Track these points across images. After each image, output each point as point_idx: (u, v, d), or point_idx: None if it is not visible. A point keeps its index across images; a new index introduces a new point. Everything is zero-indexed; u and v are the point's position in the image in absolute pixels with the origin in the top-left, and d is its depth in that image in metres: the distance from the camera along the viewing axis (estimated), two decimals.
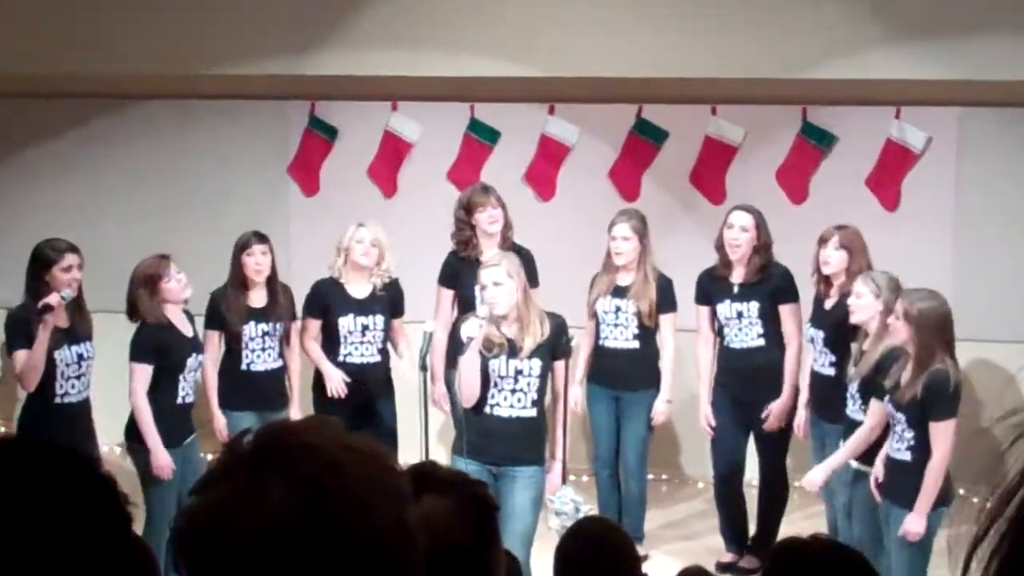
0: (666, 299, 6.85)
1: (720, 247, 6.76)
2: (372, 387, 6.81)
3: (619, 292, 6.88)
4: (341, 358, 6.80)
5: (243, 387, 6.66)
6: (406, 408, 6.70)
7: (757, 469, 6.97)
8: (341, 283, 6.82)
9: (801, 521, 7.16)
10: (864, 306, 5.86)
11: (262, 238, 6.73)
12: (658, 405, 6.88)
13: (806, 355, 6.65)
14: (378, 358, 6.86)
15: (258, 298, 6.75)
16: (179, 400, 6.17)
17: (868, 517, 5.72)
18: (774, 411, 6.69)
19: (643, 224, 6.88)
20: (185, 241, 7.58)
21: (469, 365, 5.71)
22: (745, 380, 6.73)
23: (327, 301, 6.82)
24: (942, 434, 5.34)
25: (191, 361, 6.21)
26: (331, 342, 6.83)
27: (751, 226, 6.69)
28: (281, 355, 6.80)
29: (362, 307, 6.80)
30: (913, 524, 5.35)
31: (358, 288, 6.83)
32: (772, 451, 6.80)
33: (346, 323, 6.78)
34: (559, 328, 5.79)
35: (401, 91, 8.22)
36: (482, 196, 7.02)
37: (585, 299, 7.01)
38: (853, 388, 5.87)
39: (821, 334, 6.38)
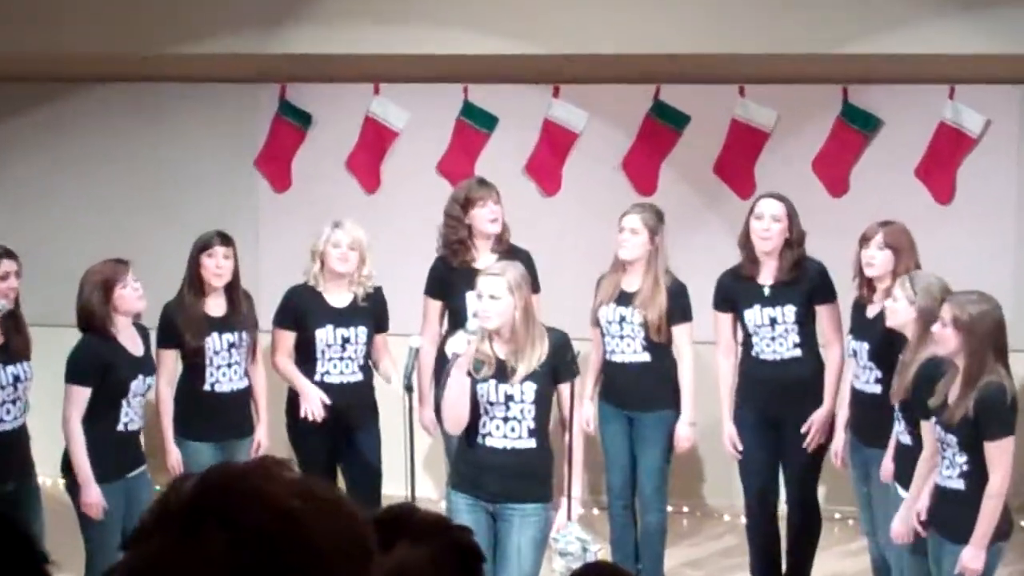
0: (678, 308, 6.77)
1: (746, 242, 6.70)
2: (353, 411, 6.79)
3: (624, 299, 6.81)
4: (318, 377, 6.77)
5: (205, 412, 6.63)
6: (390, 434, 6.67)
7: (784, 498, 6.92)
8: (318, 291, 6.79)
9: (840, 560, 7.17)
10: (897, 311, 5.87)
11: (226, 240, 6.69)
12: (680, 429, 6.81)
13: (846, 368, 6.59)
14: (360, 376, 6.83)
15: (216, 306, 6.69)
16: (120, 427, 6.12)
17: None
18: (816, 421, 6.62)
19: (658, 220, 6.82)
20: (137, 245, 7.51)
21: (454, 386, 5.67)
22: (776, 396, 6.67)
23: (302, 311, 6.79)
24: (999, 455, 5.30)
25: (136, 384, 6.14)
26: (306, 358, 6.80)
27: (783, 215, 6.63)
28: (247, 372, 6.77)
29: (342, 318, 6.77)
30: (971, 559, 5.30)
31: (338, 297, 6.80)
32: (804, 476, 6.75)
33: (324, 335, 6.74)
34: (559, 347, 5.75)
35: (384, 71, 8.20)
36: (482, 189, 7.00)
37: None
38: (896, 407, 5.87)
39: (866, 346, 6.33)
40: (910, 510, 5.68)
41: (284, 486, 1.38)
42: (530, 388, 5.66)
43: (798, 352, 6.66)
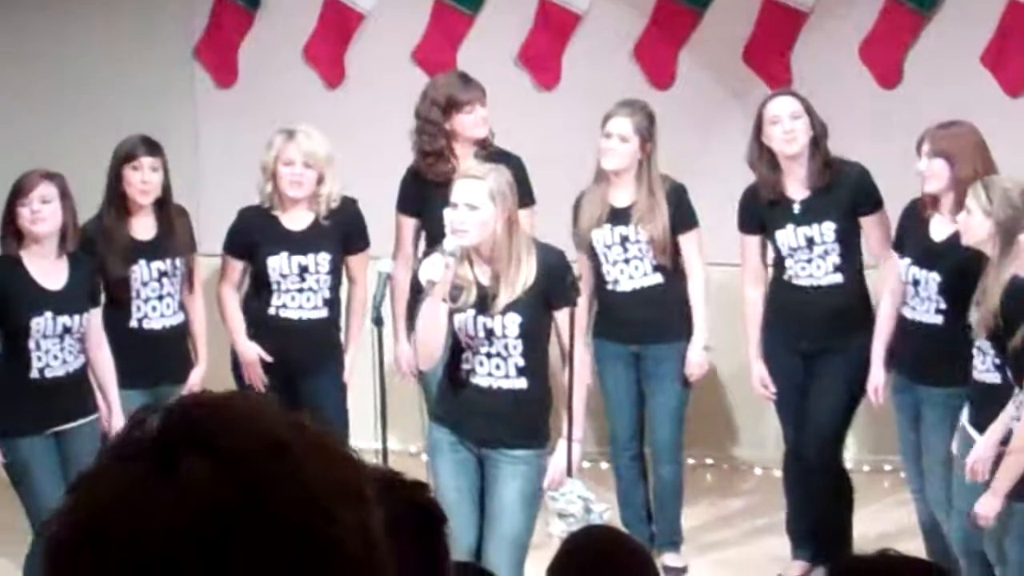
0: (681, 213, 6.79)
1: (759, 154, 6.68)
2: (312, 353, 6.87)
3: (618, 217, 6.82)
4: (273, 310, 6.84)
5: (132, 353, 6.57)
6: (356, 375, 6.73)
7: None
8: (273, 214, 6.82)
9: (887, 513, 7.21)
10: (972, 226, 5.83)
11: (153, 148, 6.65)
12: (692, 354, 6.85)
13: (887, 292, 6.58)
14: (323, 312, 6.88)
15: (144, 227, 6.70)
16: (34, 373, 6.14)
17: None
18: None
19: (650, 123, 6.81)
20: (53, 154, 7.32)
21: (428, 317, 5.70)
22: (808, 327, 6.74)
23: (253, 237, 6.84)
24: None
25: (41, 322, 6.12)
26: (259, 291, 6.88)
27: (800, 111, 6.63)
28: (182, 305, 6.81)
29: (299, 243, 6.80)
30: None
31: (295, 218, 6.82)
32: (831, 425, 6.76)
33: (278, 264, 6.78)
34: (553, 267, 5.76)
35: None
36: (468, 90, 6.98)
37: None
38: (981, 340, 5.80)
39: (936, 278, 6.27)
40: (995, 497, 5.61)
41: (271, 415, 1.40)
42: (513, 321, 5.69)
43: (838, 277, 6.69)
